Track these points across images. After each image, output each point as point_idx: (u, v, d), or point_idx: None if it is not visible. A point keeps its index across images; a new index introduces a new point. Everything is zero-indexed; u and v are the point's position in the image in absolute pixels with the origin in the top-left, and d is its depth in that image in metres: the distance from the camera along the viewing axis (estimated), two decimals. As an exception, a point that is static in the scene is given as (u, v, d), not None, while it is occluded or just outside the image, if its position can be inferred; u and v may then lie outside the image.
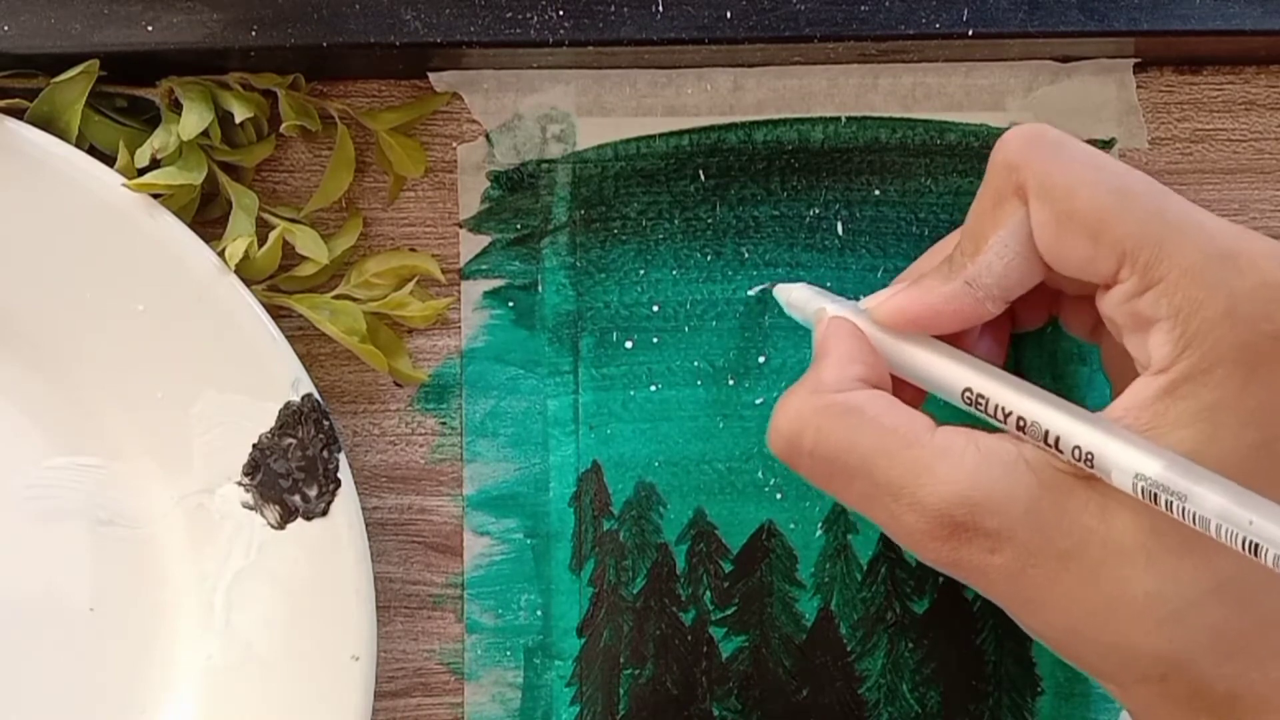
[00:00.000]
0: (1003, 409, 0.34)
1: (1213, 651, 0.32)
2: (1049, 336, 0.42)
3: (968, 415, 0.35)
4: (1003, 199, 0.33)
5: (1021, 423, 0.33)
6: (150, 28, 0.39)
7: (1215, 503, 0.29)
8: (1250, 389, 0.31)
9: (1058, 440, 0.32)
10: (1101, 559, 0.32)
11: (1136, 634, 0.32)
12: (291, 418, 0.39)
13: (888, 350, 0.36)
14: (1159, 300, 0.31)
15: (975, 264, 0.34)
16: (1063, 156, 0.33)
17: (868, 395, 0.34)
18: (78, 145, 0.39)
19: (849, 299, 0.38)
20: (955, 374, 0.35)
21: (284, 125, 0.40)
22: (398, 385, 0.42)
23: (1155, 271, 0.31)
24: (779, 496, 0.42)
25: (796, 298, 0.39)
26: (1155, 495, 0.30)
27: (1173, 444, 0.31)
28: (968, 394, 0.35)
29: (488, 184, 0.43)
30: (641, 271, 0.42)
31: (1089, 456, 0.32)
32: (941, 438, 0.33)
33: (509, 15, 0.39)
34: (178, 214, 0.39)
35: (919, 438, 0.33)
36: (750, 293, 0.42)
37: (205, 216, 0.41)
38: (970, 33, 0.39)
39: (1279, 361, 0.31)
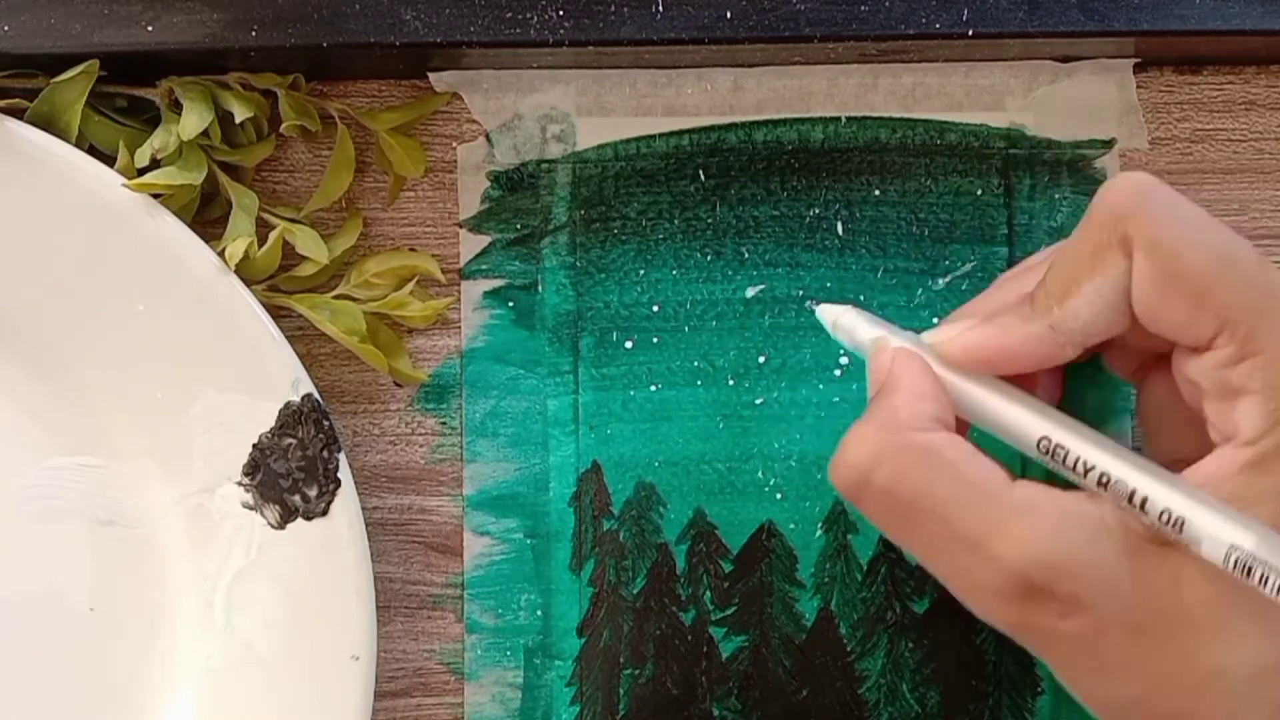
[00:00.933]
0: (1085, 463, 0.33)
1: (1274, 717, 0.32)
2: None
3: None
4: (1104, 248, 0.32)
5: (1105, 479, 0.33)
6: (150, 28, 0.39)
7: None
8: None
9: (1144, 502, 0.32)
10: (1172, 630, 0.32)
11: (1201, 705, 0.32)
12: (291, 418, 0.39)
13: (953, 389, 0.35)
14: (1254, 373, 0.31)
15: (1063, 309, 0.33)
16: (1174, 214, 0.32)
17: (946, 438, 0.34)
18: (78, 145, 0.39)
19: (904, 328, 0.38)
20: (1031, 422, 0.34)
21: (284, 125, 0.40)
22: (398, 385, 0.42)
23: (1255, 343, 0.31)
24: (779, 496, 0.42)
25: (845, 321, 0.38)
26: (1249, 568, 0.30)
27: (1261, 517, 0.31)
28: (1044, 443, 0.34)
29: (488, 184, 0.43)
30: (641, 271, 0.42)
31: (1179, 522, 0.31)
32: (1022, 493, 0.33)
33: (509, 15, 0.39)
34: (178, 214, 0.39)
35: (999, 491, 0.33)
36: (810, 304, 0.41)
37: (205, 216, 0.41)
38: (970, 33, 0.39)
39: None
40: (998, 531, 0.32)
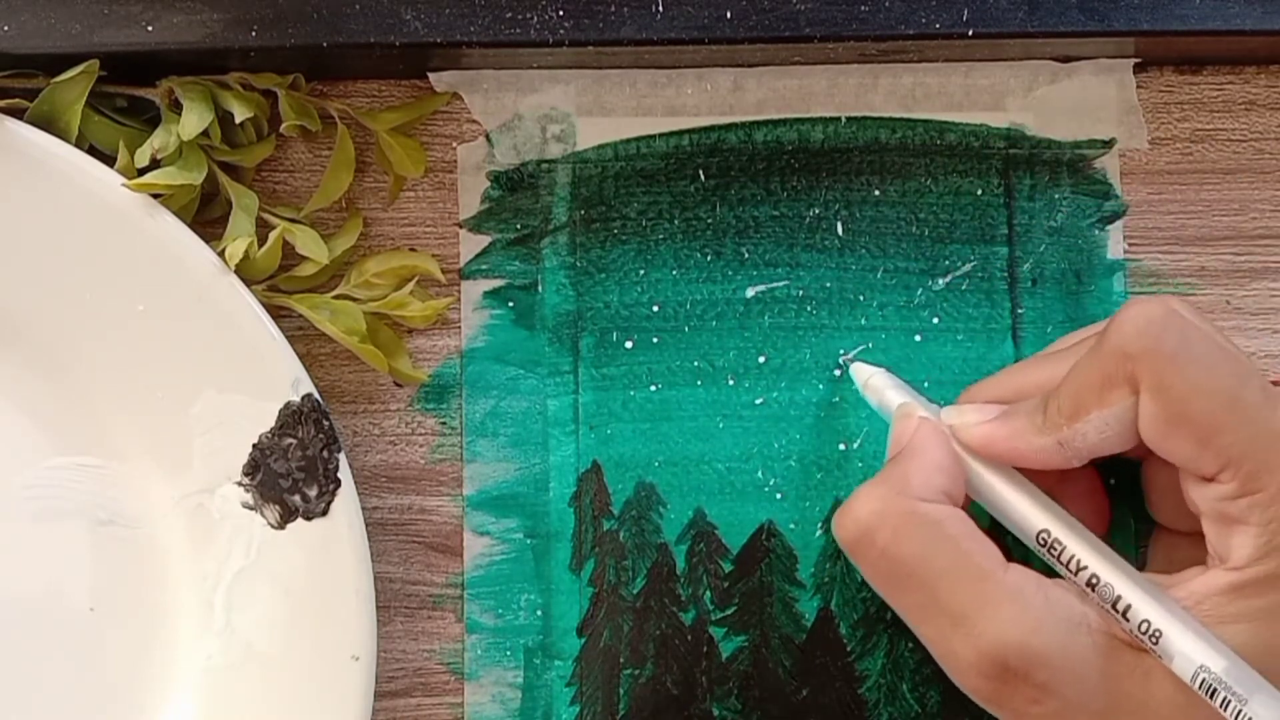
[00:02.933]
0: (1078, 562, 0.35)
1: None
2: (1049, 335, 0.42)
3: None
4: (1112, 383, 0.34)
5: (1094, 580, 0.35)
6: (150, 28, 0.39)
7: (1269, 715, 0.32)
8: None
9: (1127, 609, 0.34)
10: None
11: None
12: (291, 418, 0.39)
13: (967, 467, 0.37)
14: (1253, 508, 0.33)
15: (1070, 429, 0.35)
16: (1181, 358, 0.33)
17: (950, 512, 0.35)
18: (78, 145, 0.39)
19: (929, 401, 0.39)
20: (1033, 515, 0.36)
21: (284, 125, 0.40)
22: (398, 385, 0.42)
23: (1256, 482, 0.33)
24: (779, 496, 0.42)
25: (876, 383, 0.40)
26: (1214, 691, 0.32)
27: (1229, 635, 0.33)
28: (1043, 536, 0.36)
29: (488, 184, 0.43)
30: (641, 271, 0.42)
31: (1156, 634, 0.33)
32: (1013, 578, 0.34)
33: (509, 15, 0.39)
34: (178, 214, 0.39)
35: (992, 571, 0.34)
36: (844, 358, 0.42)
37: (205, 216, 0.41)
38: (970, 33, 0.39)
39: None
40: (984, 611, 0.34)
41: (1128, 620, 0.34)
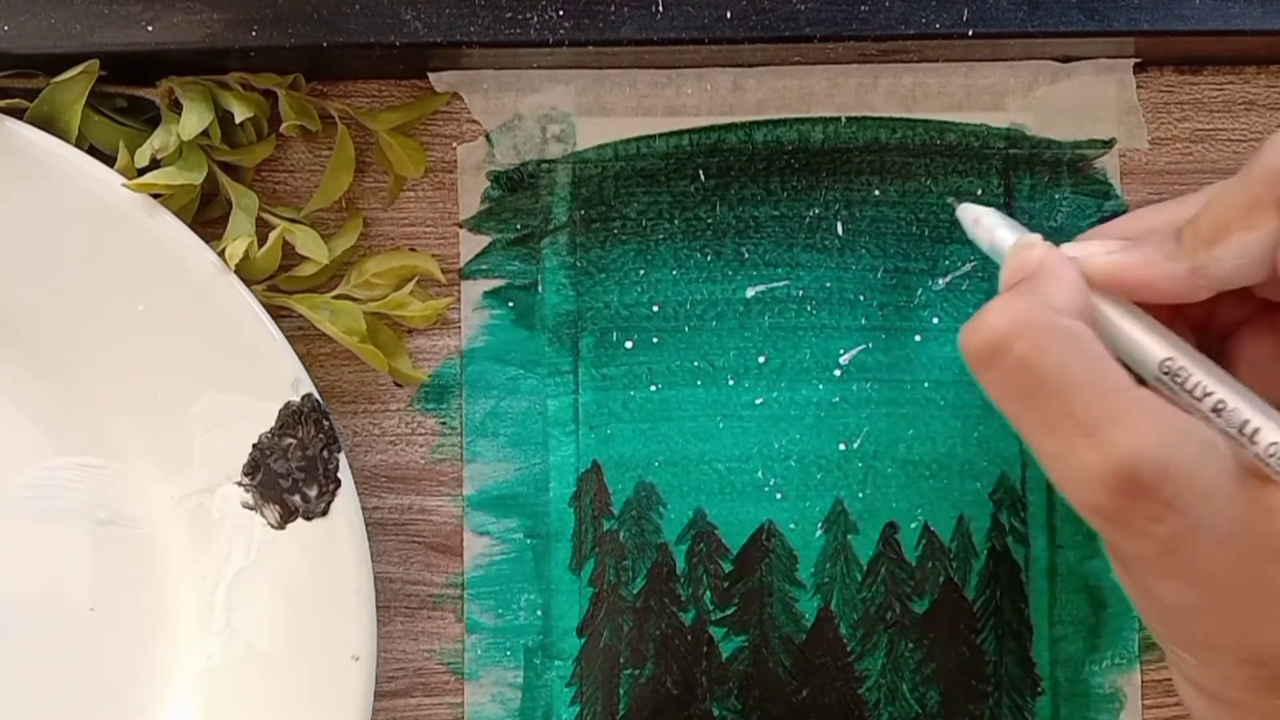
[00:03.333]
0: (1204, 387, 0.34)
1: None
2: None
3: None
4: (1260, 205, 0.33)
5: (1220, 406, 0.34)
6: (150, 28, 0.39)
7: None
8: None
9: (1255, 432, 0.33)
10: (1255, 552, 0.33)
11: (1263, 626, 0.33)
12: (291, 418, 0.39)
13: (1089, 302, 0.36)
14: None
15: (1209, 254, 0.34)
16: None
17: (1086, 330, 0.34)
18: (78, 145, 0.39)
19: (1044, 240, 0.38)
20: (1157, 343, 0.35)
21: (284, 125, 0.40)
22: (398, 385, 0.42)
23: None
24: (779, 496, 0.42)
25: (987, 221, 0.38)
26: None
27: None
28: (1168, 364, 0.35)
29: (488, 184, 0.43)
30: (641, 271, 0.43)
31: None
32: (1147, 394, 0.33)
33: (509, 15, 0.39)
34: (178, 214, 0.39)
35: (1127, 386, 0.33)
36: (950, 204, 0.40)
37: (205, 216, 0.41)
38: (970, 33, 0.39)
39: None
40: (1119, 421, 0.33)
41: (1255, 444, 0.33)
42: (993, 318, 0.34)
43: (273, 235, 0.40)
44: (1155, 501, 0.32)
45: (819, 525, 0.42)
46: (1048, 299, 0.34)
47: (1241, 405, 0.34)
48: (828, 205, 0.43)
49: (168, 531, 0.40)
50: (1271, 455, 0.33)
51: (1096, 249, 0.36)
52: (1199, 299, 0.35)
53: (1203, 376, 0.34)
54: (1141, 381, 0.35)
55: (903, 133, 0.43)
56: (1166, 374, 0.35)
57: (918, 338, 0.42)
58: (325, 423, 0.39)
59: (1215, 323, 0.38)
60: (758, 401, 0.42)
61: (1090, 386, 0.33)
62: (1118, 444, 0.32)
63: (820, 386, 0.42)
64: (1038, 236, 0.36)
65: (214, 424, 0.39)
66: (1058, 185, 0.43)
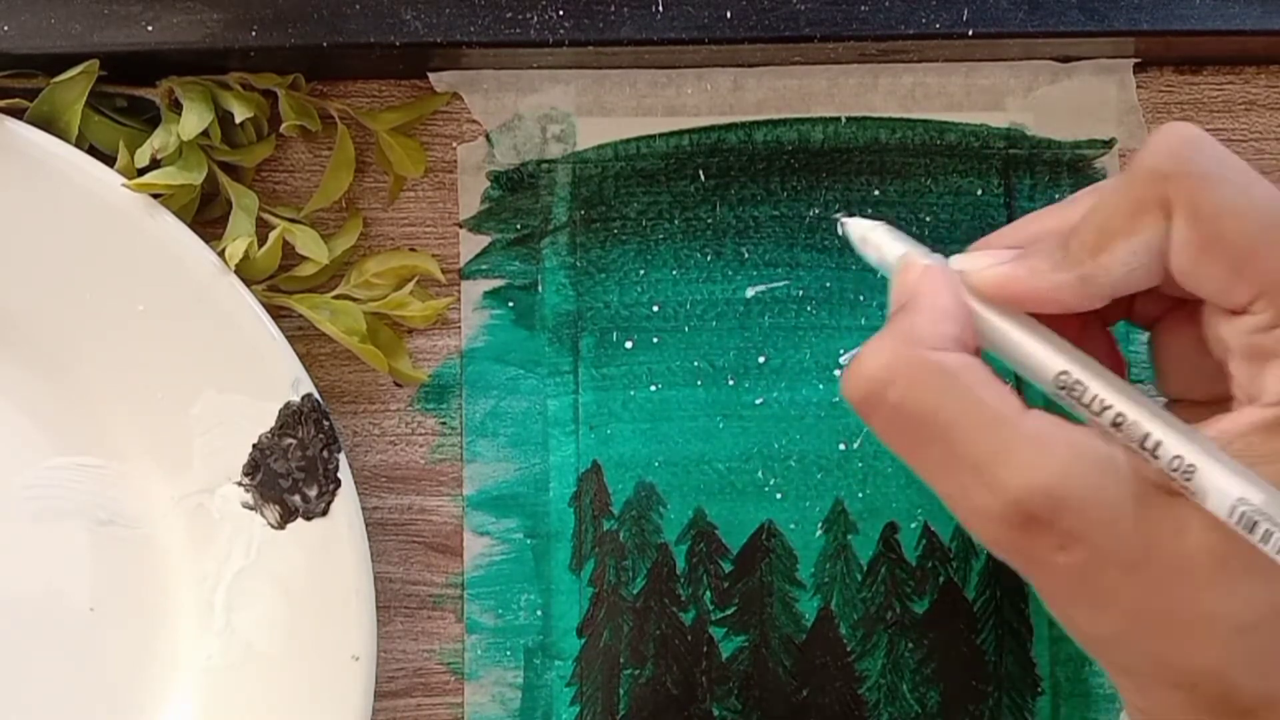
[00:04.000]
0: (1101, 401, 0.33)
1: (1255, 667, 0.32)
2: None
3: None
4: (1143, 208, 0.32)
5: (1120, 419, 0.32)
6: (150, 28, 0.39)
7: None
8: None
9: (1157, 446, 0.32)
10: (1168, 574, 0.31)
11: (1189, 647, 0.32)
12: (291, 418, 0.39)
13: (976, 315, 0.35)
14: None
15: (1095, 263, 0.33)
16: (1215, 175, 0.31)
17: (962, 360, 0.33)
18: (78, 145, 0.39)
19: (931, 251, 0.36)
20: (1050, 357, 0.34)
21: (284, 125, 0.40)
22: (398, 385, 0.42)
23: None
24: (779, 496, 0.42)
25: (875, 237, 0.37)
26: (1254, 524, 0.30)
27: (1267, 474, 0.31)
28: (1063, 377, 0.33)
29: (488, 184, 0.43)
30: (641, 271, 0.42)
31: (1189, 470, 0.31)
32: (1034, 422, 0.32)
33: (509, 15, 0.39)
34: (178, 214, 0.39)
35: (1011, 417, 0.32)
36: (839, 221, 0.38)
37: (205, 216, 0.41)
38: (970, 33, 0.39)
39: None
40: (1005, 457, 0.32)
41: (1157, 458, 0.32)
42: (865, 363, 0.33)
43: (273, 235, 0.40)
44: (1054, 533, 0.31)
45: (819, 525, 0.42)
46: (918, 333, 0.33)
47: (1142, 418, 0.32)
48: (828, 205, 0.43)
49: (168, 531, 0.40)
50: (1175, 468, 0.31)
51: (984, 261, 0.35)
52: (1093, 307, 0.34)
53: (1100, 389, 0.33)
54: (1047, 401, 0.34)
55: (903, 133, 0.43)
56: (1062, 388, 0.33)
57: (918, 338, 0.42)
58: (325, 423, 0.39)
59: (1134, 318, 0.37)
60: (758, 401, 0.42)
61: (970, 423, 0.32)
62: (1006, 480, 0.31)
63: (820, 386, 0.42)
64: (919, 255, 0.35)
65: (214, 424, 0.39)
66: (1058, 185, 0.43)
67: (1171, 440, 0.32)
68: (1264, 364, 0.31)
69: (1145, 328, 0.37)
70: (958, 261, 0.35)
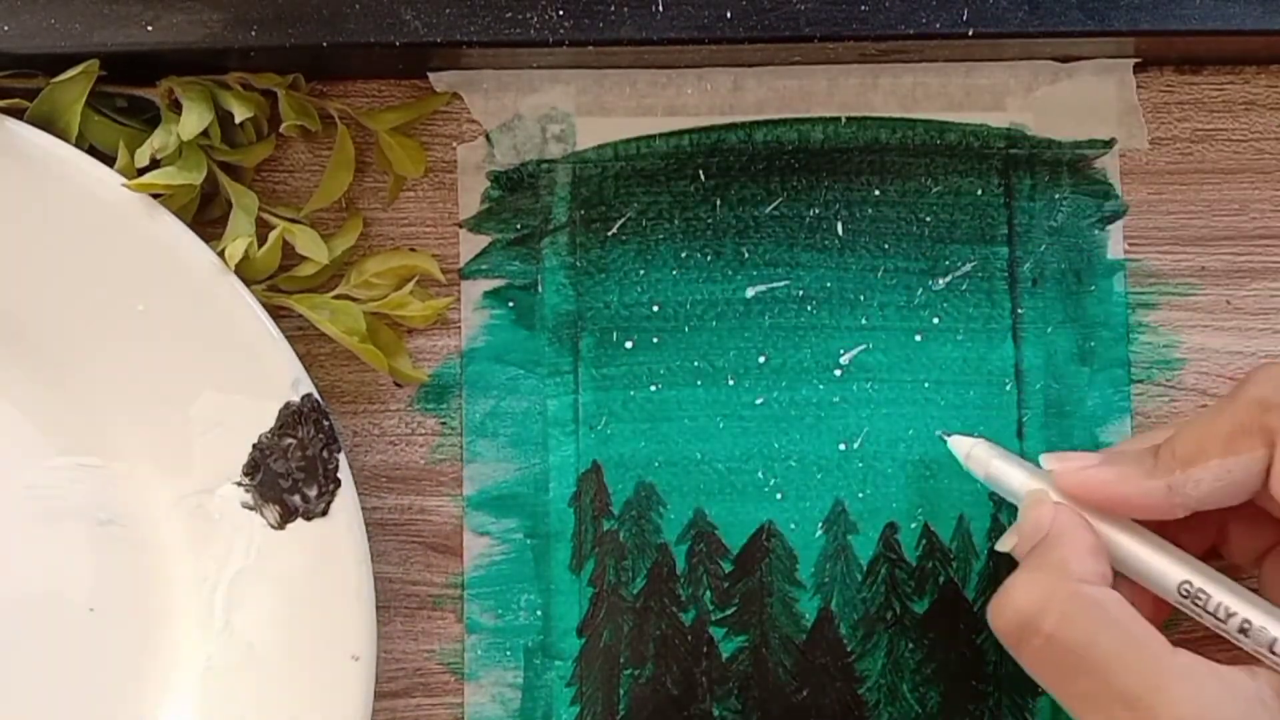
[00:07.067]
0: (1226, 608, 0.34)
1: None
2: (1049, 335, 0.42)
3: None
4: (1243, 432, 0.33)
5: (1246, 625, 0.34)
6: (150, 28, 0.39)
7: None
8: None
9: None
10: None
11: None
12: (291, 418, 0.39)
13: (1098, 531, 0.36)
14: None
15: (1186, 474, 0.34)
16: None
17: (1112, 595, 0.34)
18: (78, 145, 0.39)
19: (1026, 460, 0.38)
20: (1172, 567, 0.35)
21: (284, 125, 0.40)
22: (398, 385, 0.42)
23: None
24: (779, 496, 0.42)
25: (979, 454, 0.39)
26: None
27: None
28: (1185, 587, 0.35)
29: (488, 184, 0.43)
30: (641, 271, 0.42)
31: None
32: (1184, 659, 0.33)
33: (509, 15, 0.39)
34: (178, 214, 0.39)
35: (1162, 653, 0.33)
36: (942, 435, 0.41)
37: (205, 216, 0.41)
38: (970, 33, 0.39)
39: None
40: (1159, 693, 0.33)
41: None
42: (1018, 595, 0.35)
43: (273, 235, 0.40)
44: None
45: (819, 525, 0.42)
46: (1069, 568, 0.34)
47: (1269, 623, 0.33)
48: (828, 205, 0.43)
49: (168, 531, 0.40)
50: None
51: (1075, 463, 0.36)
52: (1175, 517, 0.35)
53: (1224, 596, 0.34)
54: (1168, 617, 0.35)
55: (903, 133, 0.43)
56: (1186, 596, 0.35)
57: (918, 338, 0.42)
58: (325, 423, 0.39)
59: (1243, 553, 0.38)
60: (758, 401, 0.42)
61: (1125, 657, 0.33)
62: (1161, 715, 0.32)
63: (820, 386, 0.42)
64: (1045, 485, 0.37)
65: (214, 424, 0.39)
66: (1058, 185, 0.43)
67: None
68: None
69: (1251, 566, 0.38)
70: (1048, 460, 0.37)
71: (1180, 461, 0.34)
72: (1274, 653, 0.33)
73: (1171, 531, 0.37)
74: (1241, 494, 0.34)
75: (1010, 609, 0.35)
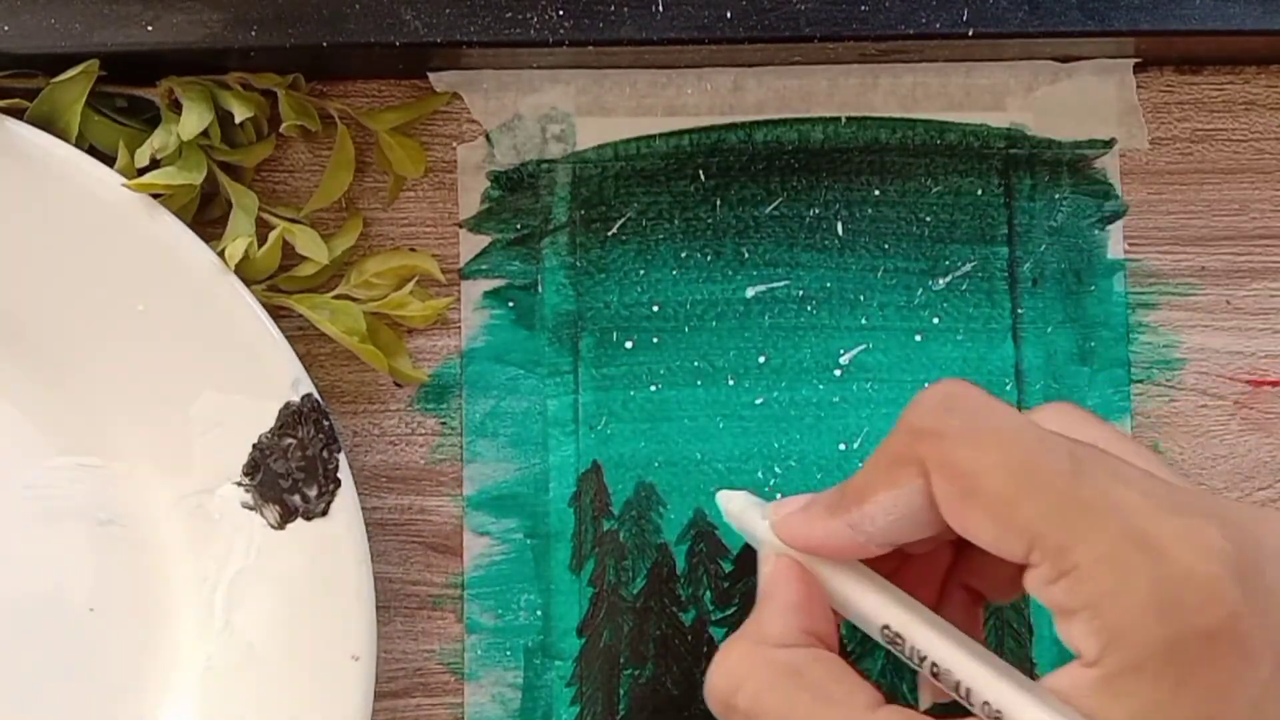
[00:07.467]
0: (919, 651, 0.33)
1: None
2: (1049, 335, 0.42)
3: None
4: (899, 462, 0.32)
5: (935, 669, 0.32)
6: (150, 28, 0.39)
7: None
8: (1183, 695, 0.28)
9: (969, 693, 0.31)
10: None
11: None
12: (291, 418, 0.39)
13: (818, 572, 0.34)
14: (1073, 590, 0.29)
15: (859, 512, 0.33)
16: (966, 431, 0.31)
17: (811, 656, 0.33)
18: (78, 145, 0.39)
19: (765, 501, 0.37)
20: (878, 609, 0.34)
21: (284, 125, 0.40)
22: (398, 385, 0.42)
23: (1066, 559, 0.29)
24: (779, 497, 0.42)
25: (733, 507, 0.37)
26: None
27: None
28: (885, 631, 0.33)
29: (488, 184, 0.43)
30: (641, 271, 0.42)
31: (996, 715, 0.31)
32: (884, 714, 0.32)
33: (509, 15, 0.39)
34: (178, 214, 0.39)
35: (857, 713, 0.32)
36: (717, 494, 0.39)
37: (205, 216, 0.41)
38: (970, 33, 0.39)
39: (1214, 663, 0.28)
40: None
41: (971, 704, 0.31)
42: (713, 673, 0.33)
43: (273, 235, 0.40)
44: None
45: (819, 525, 0.42)
46: (764, 632, 0.33)
47: (956, 666, 0.32)
48: (828, 205, 0.43)
49: (168, 531, 0.40)
50: (985, 713, 0.31)
51: (788, 508, 0.35)
52: (873, 555, 0.33)
53: (921, 640, 0.32)
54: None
55: (903, 133, 0.43)
56: (887, 640, 0.33)
57: (918, 338, 0.42)
58: (325, 423, 0.39)
59: (989, 589, 0.37)
60: (758, 401, 0.42)
61: None
62: None
63: (820, 386, 0.42)
64: (776, 544, 0.35)
65: (214, 424, 0.39)
66: (1058, 185, 0.43)
67: (981, 684, 0.31)
68: (1069, 620, 0.30)
69: (1006, 597, 0.37)
70: (773, 508, 0.35)
71: (852, 499, 0.33)
72: (960, 694, 0.32)
73: (914, 567, 0.36)
74: (924, 524, 0.32)
75: (709, 688, 0.33)
